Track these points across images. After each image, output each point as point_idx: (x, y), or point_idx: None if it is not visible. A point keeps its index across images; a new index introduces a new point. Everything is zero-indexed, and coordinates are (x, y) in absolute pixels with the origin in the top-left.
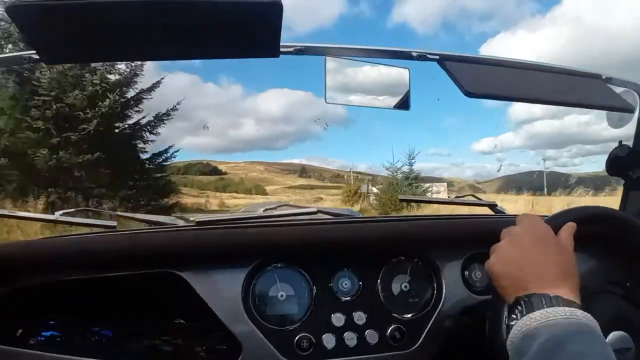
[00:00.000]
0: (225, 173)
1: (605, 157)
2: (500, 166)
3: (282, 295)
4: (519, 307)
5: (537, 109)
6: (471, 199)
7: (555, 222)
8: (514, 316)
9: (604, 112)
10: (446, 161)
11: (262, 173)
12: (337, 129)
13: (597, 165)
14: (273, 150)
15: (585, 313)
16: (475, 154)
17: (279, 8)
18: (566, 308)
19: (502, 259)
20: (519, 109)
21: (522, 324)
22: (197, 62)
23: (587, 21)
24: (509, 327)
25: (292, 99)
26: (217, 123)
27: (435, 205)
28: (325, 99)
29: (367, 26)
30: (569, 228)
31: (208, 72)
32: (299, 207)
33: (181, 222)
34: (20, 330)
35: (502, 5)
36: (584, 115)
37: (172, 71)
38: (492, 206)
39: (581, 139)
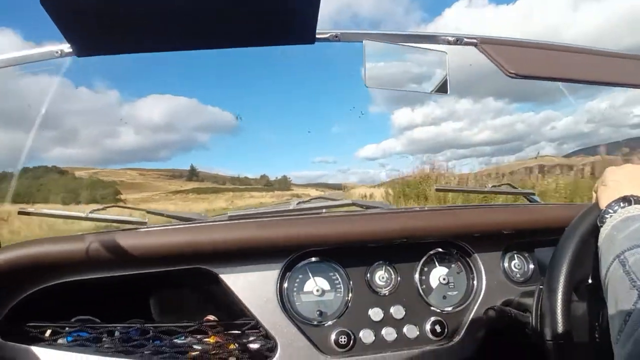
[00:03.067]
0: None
1: (476, 159)
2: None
3: (317, 290)
4: (623, 203)
5: (418, 116)
6: (508, 187)
7: None
8: (610, 211)
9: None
10: (332, 168)
11: (135, 179)
12: (225, 138)
13: (468, 167)
14: (155, 162)
15: None
16: (360, 160)
17: None
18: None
19: (626, 169)
20: (402, 116)
21: (624, 211)
22: (66, 62)
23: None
24: (602, 221)
25: (175, 106)
26: (90, 132)
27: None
28: (365, 83)
29: None
30: None
31: (79, 74)
32: (333, 199)
33: (211, 217)
34: (49, 331)
35: (391, 13)
36: (457, 122)
37: (34, 72)
38: (528, 195)
39: (455, 144)
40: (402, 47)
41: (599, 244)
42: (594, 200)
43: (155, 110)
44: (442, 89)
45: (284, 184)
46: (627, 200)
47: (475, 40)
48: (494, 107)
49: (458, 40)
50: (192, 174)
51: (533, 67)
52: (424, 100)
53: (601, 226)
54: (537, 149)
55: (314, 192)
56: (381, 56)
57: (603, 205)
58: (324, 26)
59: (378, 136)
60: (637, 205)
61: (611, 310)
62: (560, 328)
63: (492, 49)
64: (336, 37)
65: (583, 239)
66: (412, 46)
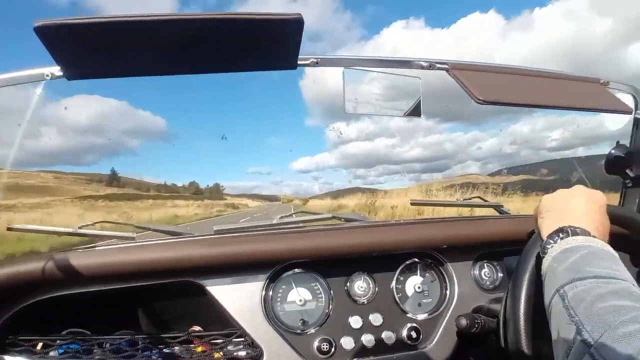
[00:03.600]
0: None
1: (405, 176)
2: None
3: (300, 300)
4: (562, 234)
5: (353, 131)
6: (479, 200)
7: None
8: (551, 241)
9: (409, 133)
10: (266, 179)
11: (48, 181)
12: (156, 144)
13: (398, 183)
14: (79, 166)
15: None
16: (293, 173)
17: (301, 23)
18: (604, 244)
19: (560, 196)
20: (336, 131)
21: (564, 243)
22: None
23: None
24: (544, 252)
25: (104, 108)
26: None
27: (442, 208)
28: (345, 109)
29: None
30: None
31: None
32: (314, 213)
33: (198, 232)
34: (40, 344)
35: (332, 29)
36: (390, 139)
37: None
38: (498, 207)
39: (387, 160)
40: (378, 73)
41: (542, 274)
42: (536, 231)
43: (82, 112)
44: (415, 112)
45: (215, 192)
46: (564, 231)
47: (446, 66)
48: (425, 125)
49: (430, 66)
50: (113, 179)
51: (501, 93)
52: (359, 116)
53: (543, 257)
54: (463, 167)
55: (249, 202)
56: (359, 83)
57: (543, 236)
58: None
59: (312, 149)
60: (574, 237)
61: (554, 338)
62: (522, 335)
63: (462, 75)
64: (316, 62)
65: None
66: (388, 72)
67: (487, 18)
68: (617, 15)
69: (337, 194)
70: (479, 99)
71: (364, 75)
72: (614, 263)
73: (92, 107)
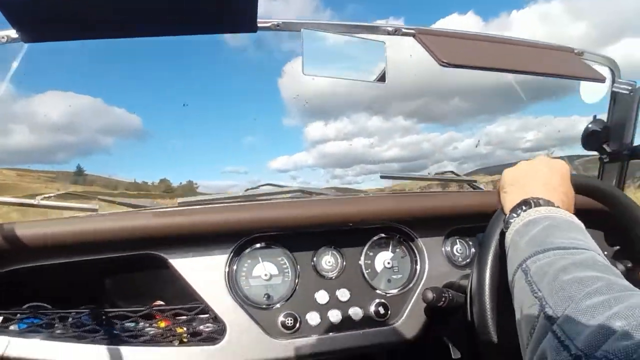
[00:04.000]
0: None
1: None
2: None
3: (266, 275)
4: (525, 207)
5: (331, 130)
6: (451, 175)
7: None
8: (514, 215)
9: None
10: (243, 179)
11: (6, 179)
12: (130, 142)
13: (375, 182)
14: (50, 164)
15: None
16: (271, 172)
17: None
18: (568, 214)
19: (521, 169)
20: (315, 130)
21: (526, 215)
22: None
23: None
24: (507, 226)
25: (77, 105)
26: None
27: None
28: (303, 71)
29: None
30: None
31: None
32: (280, 186)
33: (163, 204)
34: (0, 318)
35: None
36: (368, 138)
37: None
38: (471, 182)
39: (364, 159)
40: (341, 36)
41: (506, 249)
42: (498, 207)
43: (54, 108)
44: (380, 78)
45: (188, 190)
46: (527, 203)
47: (412, 31)
48: (402, 125)
49: (396, 31)
50: (78, 176)
51: (465, 57)
52: (337, 116)
53: (506, 231)
54: (440, 167)
55: None
56: (320, 45)
57: (506, 210)
58: (240, 36)
59: (290, 148)
60: (537, 208)
61: (517, 316)
62: (487, 311)
63: (428, 39)
64: (277, 25)
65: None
66: (350, 35)
67: (465, 19)
68: (591, 20)
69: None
70: (443, 62)
71: (326, 38)
72: (578, 233)
73: (65, 103)
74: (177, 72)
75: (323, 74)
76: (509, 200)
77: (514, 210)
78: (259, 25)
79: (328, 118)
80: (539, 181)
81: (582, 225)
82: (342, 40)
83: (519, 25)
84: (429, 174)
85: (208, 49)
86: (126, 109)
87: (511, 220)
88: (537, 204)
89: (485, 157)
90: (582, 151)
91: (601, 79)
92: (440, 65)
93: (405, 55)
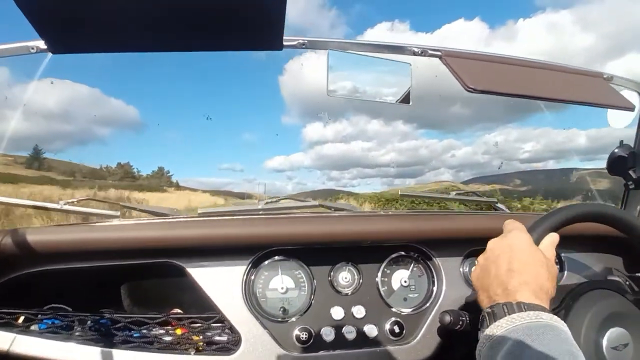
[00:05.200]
0: None
1: (380, 179)
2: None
3: (282, 288)
4: (486, 319)
5: (330, 132)
6: (473, 196)
7: (537, 231)
8: (482, 328)
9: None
10: (239, 177)
11: None
12: (127, 134)
13: (371, 187)
14: (45, 154)
15: (551, 315)
16: (267, 171)
17: (282, 1)
18: (530, 312)
19: (477, 272)
20: (313, 131)
21: (488, 333)
22: None
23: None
24: (481, 324)
25: (74, 94)
26: None
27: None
28: (327, 92)
29: None
30: (551, 238)
31: None
32: (300, 200)
33: (183, 213)
34: (22, 317)
35: (316, 25)
36: (366, 142)
37: None
38: (493, 203)
39: (361, 163)
40: (366, 57)
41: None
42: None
43: (50, 96)
44: (404, 100)
45: (158, 178)
46: (499, 308)
47: (439, 53)
48: (402, 130)
49: (423, 52)
50: (34, 161)
51: (492, 82)
52: (336, 117)
53: (480, 330)
54: (436, 174)
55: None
56: (344, 65)
57: (483, 303)
58: None
59: (288, 148)
60: (511, 316)
61: None
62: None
63: (455, 62)
64: (303, 44)
65: None
66: (376, 56)
67: (471, 26)
68: (599, 32)
69: (310, 194)
70: (470, 87)
71: (350, 59)
72: (554, 341)
73: (63, 91)
74: (177, 65)
75: (347, 95)
76: (483, 299)
77: (489, 315)
78: (284, 43)
79: (327, 119)
80: (512, 274)
81: (559, 326)
82: (368, 61)
83: (525, 34)
84: (449, 194)
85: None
86: (124, 101)
87: (484, 329)
88: (512, 310)
89: (482, 165)
90: (578, 164)
91: (631, 108)
92: (467, 90)
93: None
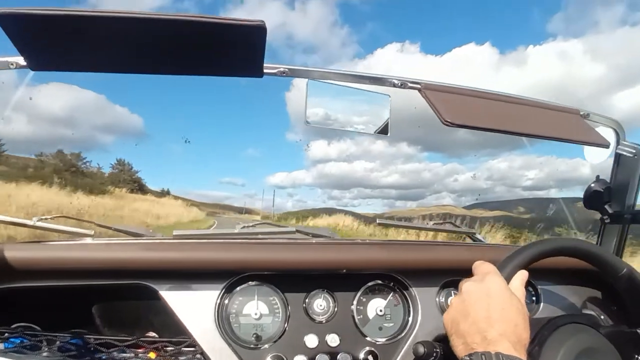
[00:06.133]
0: None
1: (381, 201)
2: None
3: (256, 314)
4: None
5: (333, 150)
6: (450, 226)
7: (506, 269)
8: None
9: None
10: (240, 191)
11: None
12: (129, 142)
13: (371, 207)
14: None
15: None
16: (269, 187)
17: (263, 30)
18: None
19: (452, 315)
20: (317, 149)
21: None
22: None
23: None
24: None
25: (80, 99)
26: None
27: (414, 231)
28: (305, 121)
29: None
30: (521, 276)
31: None
32: (277, 225)
33: (159, 234)
34: None
35: (327, 42)
36: (369, 162)
37: None
38: (471, 235)
39: (363, 183)
40: (345, 87)
41: None
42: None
43: (56, 101)
44: (383, 131)
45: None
46: (489, 358)
47: (418, 86)
48: (405, 152)
49: (402, 84)
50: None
51: (469, 116)
52: (341, 136)
53: None
54: (438, 198)
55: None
56: (324, 95)
57: (458, 349)
58: None
59: (290, 165)
60: None
61: None
62: None
63: (433, 95)
64: (283, 72)
65: None
66: (355, 87)
67: (482, 50)
68: (610, 62)
69: (311, 212)
70: (447, 121)
71: (330, 89)
72: None
73: (68, 97)
74: (185, 80)
75: (326, 125)
76: (458, 347)
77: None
78: (265, 71)
79: (332, 137)
80: (487, 325)
81: None
82: (347, 92)
83: (536, 61)
84: (427, 223)
85: None
86: (129, 109)
87: None
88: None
89: (484, 191)
90: (580, 194)
91: (605, 145)
92: (444, 124)
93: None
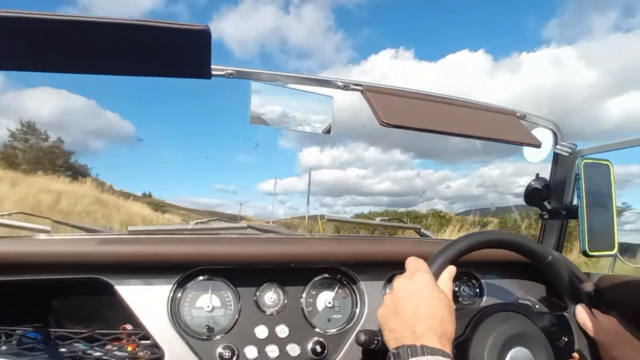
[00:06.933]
0: None
1: (372, 208)
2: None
3: (208, 307)
4: (391, 359)
5: (326, 157)
6: (397, 222)
7: (435, 264)
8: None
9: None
10: (231, 198)
11: None
12: (120, 148)
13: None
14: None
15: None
16: (260, 194)
17: (207, 35)
18: (430, 357)
19: (383, 311)
20: (310, 155)
21: None
22: None
23: (388, 82)
24: None
25: (70, 104)
26: None
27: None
28: (249, 121)
29: None
30: (449, 271)
31: None
32: (229, 221)
33: (116, 230)
34: None
35: (322, 48)
36: (362, 170)
37: None
38: (417, 229)
39: (355, 191)
40: (289, 89)
41: None
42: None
43: (45, 105)
44: (327, 131)
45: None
46: (397, 356)
47: (360, 87)
48: (398, 159)
49: (345, 86)
50: None
51: (405, 117)
52: (334, 142)
53: None
54: (429, 205)
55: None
56: (267, 96)
57: (390, 342)
58: (248, 45)
59: (282, 172)
60: (421, 358)
61: None
62: None
63: (374, 97)
64: (231, 74)
65: None
66: (298, 89)
67: (476, 56)
68: (603, 68)
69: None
70: (383, 122)
71: (274, 90)
72: None
73: (58, 101)
74: (175, 81)
75: (268, 124)
76: (390, 340)
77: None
78: (213, 73)
79: (324, 144)
80: (415, 320)
81: None
82: (291, 93)
83: (530, 67)
84: (374, 219)
85: (213, 59)
86: (120, 115)
87: None
88: (415, 353)
89: (476, 198)
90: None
91: (537, 145)
92: (380, 124)
93: None
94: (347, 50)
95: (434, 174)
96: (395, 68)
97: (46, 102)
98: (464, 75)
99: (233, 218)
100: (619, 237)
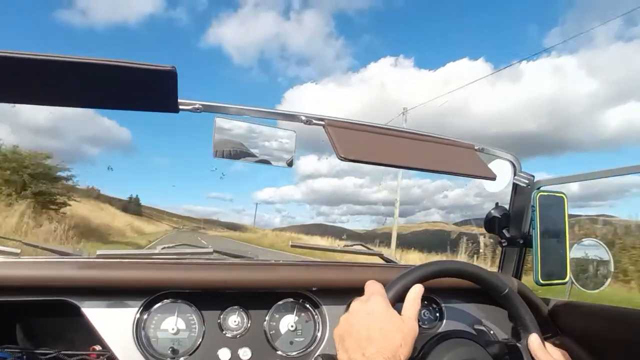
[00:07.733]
0: None
1: (369, 217)
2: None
3: (173, 329)
4: None
5: (324, 165)
6: (360, 248)
7: (393, 290)
8: None
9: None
10: (228, 206)
11: None
12: (116, 155)
13: (360, 224)
14: None
15: None
16: (256, 202)
17: (173, 74)
18: None
19: (340, 331)
20: (307, 164)
21: None
22: None
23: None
24: None
25: (65, 110)
26: None
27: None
28: (213, 155)
29: (182, 39)
30: (415, 290)
31: None
32: (196, 246)
33: (85, 254)
34: None
35: (322, 55)
36: (359, 179)
37: None
38: (381, 255)
39: (352, 200)
40: (253, 124)
41: None
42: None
43: (40, 111)
44: (289, 164)
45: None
46: None
47: (322, 122)
48: (396, 169)
49: (308, 121)
50: None
51: (364, 152)
52: (332, 151)
53: None
54: (426, 215)
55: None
56: (231, 130)
57: None
58: (247, 51)
59: (279, 180)
60: None
61: None
62: None
63: (334, 132)
64: (198, 108)
65: None
66: (262, 125)
67: (476, 65)
68: (604, 78)
69: (300, 228)
70: (341, 156)
71: (238, 124)
72: None
73: (53, 107)
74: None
75: (232, 158)
76: None
77: None
78: (180, 107)
79: (322, 152)
80: (354, 343)
81: None
82: (254, 128)
83: (530, 76)
84: (338, 246)
85: (212, 64)
86: (117, 122)
87: None
88: None
89: (472, 208)
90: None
91: (492, 178)
92: (339, 159)
93: None
94: (347, 58)
95: (431, 183)
96: (394, 76)
97: (41, 108)
98: (464, 83)
99: (229, 226)
100: (579, 264)
